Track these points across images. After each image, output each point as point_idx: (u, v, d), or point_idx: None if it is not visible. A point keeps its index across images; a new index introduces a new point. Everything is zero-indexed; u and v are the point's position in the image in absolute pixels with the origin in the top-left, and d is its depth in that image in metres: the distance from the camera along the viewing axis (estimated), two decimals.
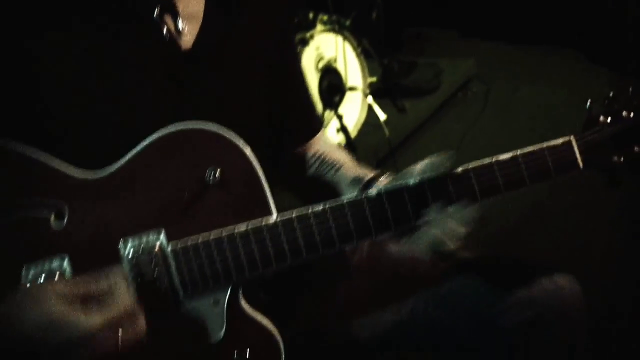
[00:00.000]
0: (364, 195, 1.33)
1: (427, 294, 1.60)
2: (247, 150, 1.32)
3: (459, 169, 1.35)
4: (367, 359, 1.77)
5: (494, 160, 1.36)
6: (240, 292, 1.32)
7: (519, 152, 1.38)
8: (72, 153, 1.31)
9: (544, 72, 5.04)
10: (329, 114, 3.84)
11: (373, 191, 1.34)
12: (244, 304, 1.33)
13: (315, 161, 1.66)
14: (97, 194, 1.29)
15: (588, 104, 1.44)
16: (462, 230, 1.35)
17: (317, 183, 1.65)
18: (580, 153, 1.40)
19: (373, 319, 1.64)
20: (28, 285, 1.23)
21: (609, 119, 1.42)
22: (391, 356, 1.83)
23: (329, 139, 1.77)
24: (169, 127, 1.31)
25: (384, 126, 4.10)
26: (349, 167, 1.62)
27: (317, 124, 1.74)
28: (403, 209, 1.34)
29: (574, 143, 1.40)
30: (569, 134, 1.42)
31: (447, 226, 1.34)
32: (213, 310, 1.29)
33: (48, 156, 1.29)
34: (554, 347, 1.52)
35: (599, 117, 1.42)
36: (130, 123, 1.34)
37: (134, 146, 1.31)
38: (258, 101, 1.53)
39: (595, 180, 1.45)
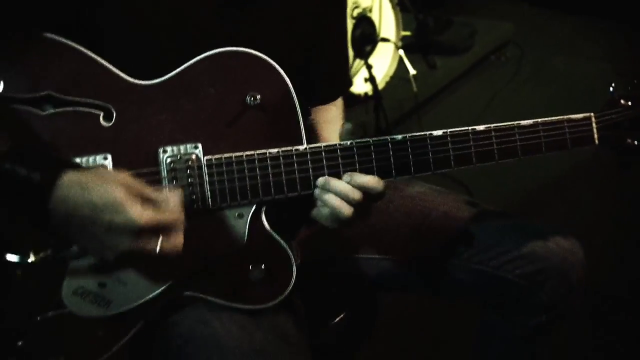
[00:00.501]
0: (389, 139, 1.41)
1: (435, 240, 1.68)
2: (289, 82, 1.40)
3: (482, 127, 1.43)
4: (371, 296, 1.86)
5: (515, 124, 1.45)
6: (264, 210, 1.41)
7: (540, 120, 1.46)
8: (124, 64, 1.37)
9: (581, 44, 4.95)
10: (359, 63, 3.84)
11: (398, 136, 1.42)
12: (265, 222, 1.41)
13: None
14: (145, 100, 1.37)
15: (612, 87, 1.52)
16: None
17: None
18: (598, 130, 1.48)
19: (381, 258, 1.73)
20: (94, 167, 1.31)
21: (629, 103, 1.50)
22: (394, 296, 1.92)
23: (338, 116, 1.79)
24: (221, 48, 1.38)
25: (412, 81, 4.12)
26: None
27: (342, 89, 1.77)
28: (424, 155, 1.43)
29: (593, 120, 1.48)
30: (593, 111, 1.50)
31: None
32: (237, 223, 1.39)
33: (104, 61, 1.36)
34: (550, 302, 1.63)
35: (620, 100, 1.50)
36: (180, 42, 1.40)
37: (181, 64, 1.38)
38: (298, 48, 1.58)
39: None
